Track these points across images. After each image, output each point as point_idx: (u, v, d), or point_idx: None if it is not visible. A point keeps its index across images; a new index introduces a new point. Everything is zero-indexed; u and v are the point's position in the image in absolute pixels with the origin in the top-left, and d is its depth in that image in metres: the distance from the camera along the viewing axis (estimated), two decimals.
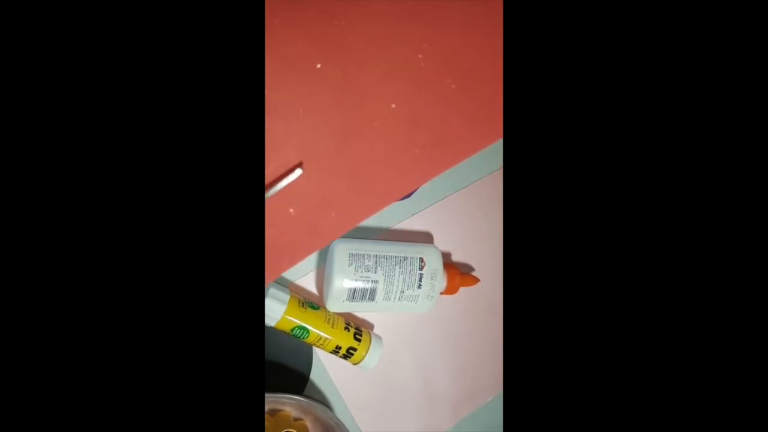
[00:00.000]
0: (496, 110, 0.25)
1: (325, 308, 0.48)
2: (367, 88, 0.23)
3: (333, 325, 0.47)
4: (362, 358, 0.48)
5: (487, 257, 0.55)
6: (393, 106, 0.23)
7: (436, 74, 0.24)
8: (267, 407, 0.47)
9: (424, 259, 0.48)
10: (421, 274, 0.47)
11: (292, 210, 0.26)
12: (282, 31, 0.19)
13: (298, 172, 0.22)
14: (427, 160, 0.28)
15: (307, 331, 0.46)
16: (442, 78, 0.24)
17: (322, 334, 0.47)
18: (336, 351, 0.47)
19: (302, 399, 0.45)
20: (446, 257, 0.54)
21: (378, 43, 0.21)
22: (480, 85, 0.25)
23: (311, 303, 0.48)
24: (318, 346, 0.48)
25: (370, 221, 0.52)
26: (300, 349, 0.49)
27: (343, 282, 0.45)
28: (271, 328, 0.47)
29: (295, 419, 0.49)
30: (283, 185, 0.22)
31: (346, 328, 0.48)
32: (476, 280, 0.51)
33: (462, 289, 0.52)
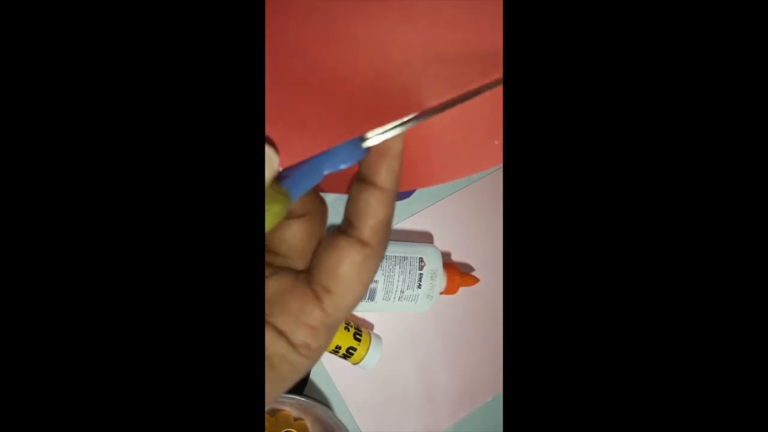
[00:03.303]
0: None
1: None
2: None
3: None
4: (362, 358, 0.48)
5: (487, 257, 0.55)
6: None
7: None
8: (267, 407, 0.47)
9: (424, 259, 0.48)
10: (420, 274, 0.47)
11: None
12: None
13: (498, 83, 0.20)
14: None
15: None
16: None
17: None
18: (336, 351, 0.47)
19: (302, 399, 0.45)
20: (446, 257, 0.54)
21: None
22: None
23: None
24: None
25: None
26: None
27: None
28: None
29: (295, 419, 0.49)
30: (483, 92, 0.20)
31: (345, 328, 0.48)
32: (476, 280, 0.51)
33: (462, 289, 0.52)
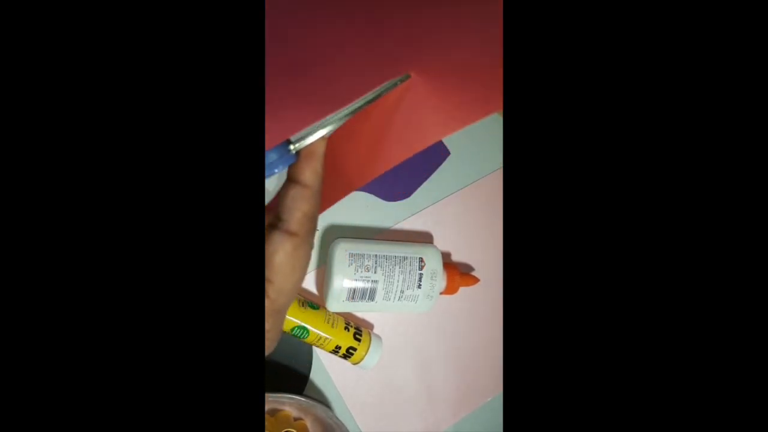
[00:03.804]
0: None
1: (325, 308, 0.48)
2: None
3: (333, 324, 0.47)
4: (362, 358, 0.48)
5: (487, 257, 0.55)
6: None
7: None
8: (267, 407, 0.47)
9: (424, 259, 0.48)
10: (420, 274, 0.47)
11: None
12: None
13: (406, 77, 0.21)
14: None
15: (307, 330, 0.46)
16: None
17: (321, 333, 0.47)
18: (336, 351, 0.47)
19: (302, 399, 0.45)
20: (446, 257, 0.54)
21: None
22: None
23: (311, 303, 0.48)
24: (318, 346, 0.48)
25: (370, 221, 0.52)
26: (300, 348, 0.49)
27: (343, 282, 0.45)
28: None
29: (295, 419, 0.49)
30: (389, 88, 0.21)
31: (345, 328, 0.48)
32: (476, 280, 0.51)
33: (462, 289, 0.52)
